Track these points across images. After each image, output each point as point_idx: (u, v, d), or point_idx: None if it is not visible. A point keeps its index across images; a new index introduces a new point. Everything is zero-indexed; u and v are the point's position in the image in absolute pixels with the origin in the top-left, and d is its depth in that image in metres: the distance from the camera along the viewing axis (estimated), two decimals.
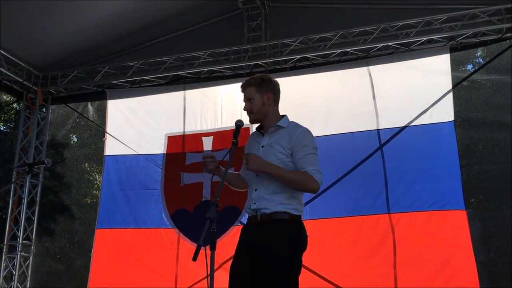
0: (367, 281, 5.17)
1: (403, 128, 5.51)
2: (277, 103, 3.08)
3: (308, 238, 2.88)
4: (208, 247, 2.42)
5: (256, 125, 3.11)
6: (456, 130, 5.41)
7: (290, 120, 3.06)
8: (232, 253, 2.94)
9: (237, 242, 2.97)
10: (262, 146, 2.95)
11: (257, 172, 2.85)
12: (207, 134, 6.28)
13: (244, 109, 3.02)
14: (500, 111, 6.31)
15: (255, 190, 2.88)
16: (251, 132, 3.20)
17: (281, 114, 3.08)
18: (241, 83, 3.10)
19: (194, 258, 2.29)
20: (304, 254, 2.84)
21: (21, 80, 6.75)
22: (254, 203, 2.86)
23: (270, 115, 3.01)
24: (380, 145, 5.54)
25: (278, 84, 3.10)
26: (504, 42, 5.62)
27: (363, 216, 5.40)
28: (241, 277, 2.79)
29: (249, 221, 2.94)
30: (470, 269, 4.91)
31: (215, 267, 2.49)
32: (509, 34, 5.51)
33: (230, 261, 2.94)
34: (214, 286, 2.43)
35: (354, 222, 5.42)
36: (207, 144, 6.22)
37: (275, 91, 3.05)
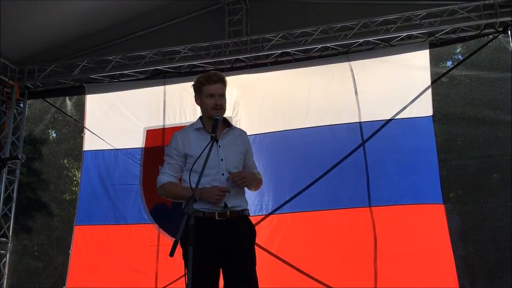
0: (347, 275, 5.18)
1: (387, 122, 5.54)
2: None
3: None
4: None
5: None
6: (435, 125, 5.48)
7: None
8: None
9: None
10: (219, 146, 2.99)
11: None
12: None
13: (216, 102, 3.02)
14: (479, 106, 6.38)
15: None
16: None
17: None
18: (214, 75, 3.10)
19: (171, 254, 2.27)
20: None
21: None
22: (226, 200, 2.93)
23: None
24: (362, 140, 5.57)
25: None
26: (482, 38, 5.69)
27: (343, 209, 5.42)
28: (210, 273, 2.82)
29: (210, 216, 2.90)
30: (448, 263, 4.97)
31: None
32: (487, 31, 5.58)
33: None
34: None
35: (334, 215, 5.43)
36: None
37: None
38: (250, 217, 3.12)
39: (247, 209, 3.06)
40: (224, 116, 3.13)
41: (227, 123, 3.14)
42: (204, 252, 2.79)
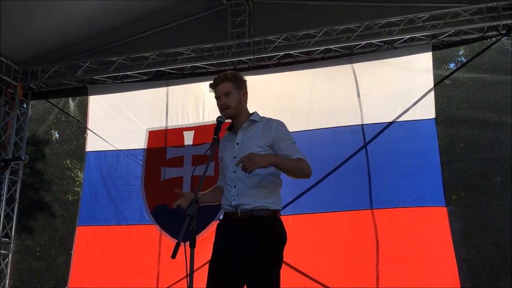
0: (349, 277, 5.18)
1: (389, 124, 5.53)
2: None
3: (290, 234, 2.87)
4: (188, 244, 2.40)
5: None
6: (438, 127, 5.47)
7: (266, 115, 3.06)
8: None
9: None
10: (237, 143, 2.93)
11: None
12: (188, 129, 6.24)
13: (221, 103, 2.96)
14: (481, 109, 6.38)
15: (234, 186, 2.85)
16: None
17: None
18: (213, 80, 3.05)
19: (173, 256, 2.26)
20: (285, 249, 2.83)
21: (0, 75, 6.59)
22: (234, 200, 2.81)
23: (244, 112, 3.01)
24: (364, 142, 5.56)
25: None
26: (485, 40, 5.68)
27: (345, 212, 5.41)
28: (224, 277, 2.74)
29: (227, 217, 2.87)
30: (450, 265, 4.96)
31: (198, 264, 2.47)
32: (490, 33, 5.55)
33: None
34: (197, 284, 2.40)
35: (336, 217, 5.42)
36: (188, 138, 6.19)
37: (247, 90, 3.05)
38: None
39: (265, 208, 2.79)
40: None
41: (252, 117, 3.01)
42: (218, 255, 2.79)
